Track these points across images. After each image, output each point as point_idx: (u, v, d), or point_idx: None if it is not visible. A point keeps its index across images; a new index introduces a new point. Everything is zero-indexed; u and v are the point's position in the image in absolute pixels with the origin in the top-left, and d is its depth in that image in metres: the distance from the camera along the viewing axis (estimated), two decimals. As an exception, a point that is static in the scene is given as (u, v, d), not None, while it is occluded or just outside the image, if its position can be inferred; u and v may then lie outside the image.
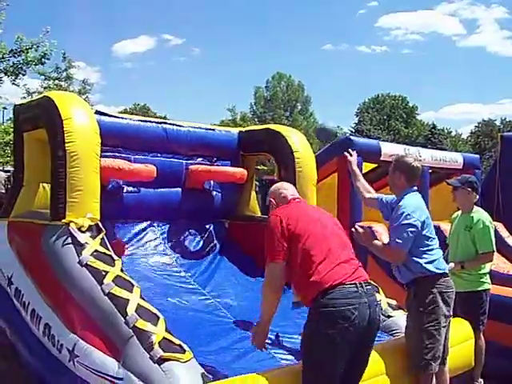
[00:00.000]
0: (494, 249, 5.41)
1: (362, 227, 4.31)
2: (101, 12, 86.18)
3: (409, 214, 4.13)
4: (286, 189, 4.02)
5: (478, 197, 5.58)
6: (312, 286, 3.38)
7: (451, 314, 4.31)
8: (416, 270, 4.17)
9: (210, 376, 3.53)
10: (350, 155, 5.02)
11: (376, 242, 4.37)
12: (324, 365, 3.34)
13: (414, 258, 4.17)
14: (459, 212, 5.74)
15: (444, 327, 4.19)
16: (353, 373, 3.51)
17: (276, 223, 3.57)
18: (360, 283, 3.44)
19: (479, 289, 5.35)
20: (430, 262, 4.18)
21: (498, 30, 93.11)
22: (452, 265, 5.20)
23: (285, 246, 3.50)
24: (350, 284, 3.39)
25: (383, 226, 7.06)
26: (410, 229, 4.10)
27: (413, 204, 4.24)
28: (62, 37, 63.96)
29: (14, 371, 4.79)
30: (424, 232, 4.20)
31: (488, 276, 5.47)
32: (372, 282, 3.70)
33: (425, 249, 4.20)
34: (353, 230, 4.28)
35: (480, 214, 5.49)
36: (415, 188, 4.41)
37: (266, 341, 3.81)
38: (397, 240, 4.12)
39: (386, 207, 4.53)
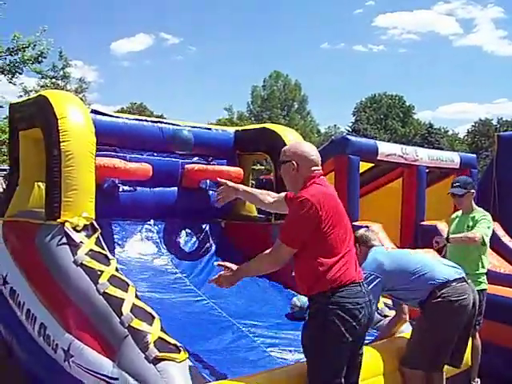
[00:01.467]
0: (486, 241, 5.36)
1: None
2: (99, 10, 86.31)
3: (371, 275, 4.15)
4: (316, 157, 3.51)
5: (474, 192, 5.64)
6: (324, 280, 3.28)
7: (471, 320, 4.31)
8: (421, 295, 4.17)
9: (206, 376, 3.52)
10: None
11: None
12: (333, 360, 3.32)
13: (414, 290, 4.19)
14: (459, 212, 5.73)
15: (450, 333, 4.15)
16: (350, 369, 3.46)
17: (306, 208, 3.25)
18: (362, 282, 3.44)
19: (476, 289, 5.33)
20: (431, 281, 4.14)
21: (493, 30, 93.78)
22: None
23: (306, 235, 3.31)
24: (356, 283, 3.37)
25: (379, 226, 7.07)
26: (377, 286, 4.14)
27: (371, 262, 4.29)
28: (59, 35, 63.57)
29: (9, 372, 4.77)
30: (401, 268, 4.25)
31: (485, 276, 5.46)
32: None
33: (415, 277, 4.18)
34: None
35: (481, 214, 5.51)
36: (374, 247, 4.49)
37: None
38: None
39: None
